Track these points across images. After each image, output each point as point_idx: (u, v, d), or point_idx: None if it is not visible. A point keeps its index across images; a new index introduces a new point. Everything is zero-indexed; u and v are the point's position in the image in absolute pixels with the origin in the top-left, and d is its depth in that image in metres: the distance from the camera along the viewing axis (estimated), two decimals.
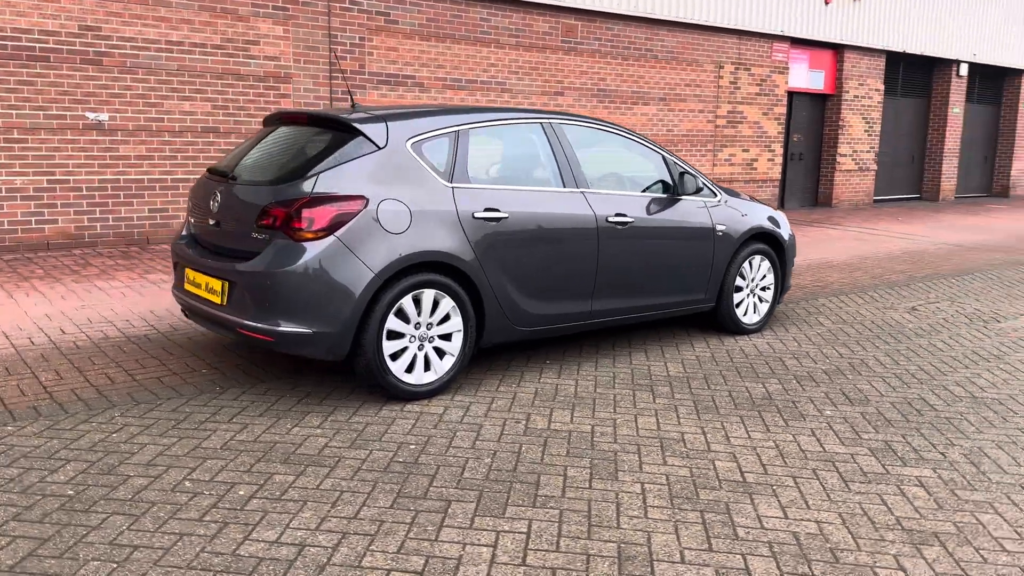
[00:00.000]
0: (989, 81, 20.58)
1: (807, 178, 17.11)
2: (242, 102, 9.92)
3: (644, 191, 5.66)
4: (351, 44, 10.62)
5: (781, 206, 16.69)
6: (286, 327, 4.24)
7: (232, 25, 9.74)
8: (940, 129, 19.14)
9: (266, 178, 4.58)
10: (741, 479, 3.63)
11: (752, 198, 6.55)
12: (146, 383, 4.73)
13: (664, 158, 5.87)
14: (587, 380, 5.02)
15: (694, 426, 4.25)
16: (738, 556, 2.97)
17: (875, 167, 17.86)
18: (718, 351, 5.78)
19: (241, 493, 3.36)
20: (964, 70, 19.09)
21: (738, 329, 6.28)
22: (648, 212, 5.55)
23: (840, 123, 16.78)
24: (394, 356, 4.47)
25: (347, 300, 4.28)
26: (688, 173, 5.87)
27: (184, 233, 5.19)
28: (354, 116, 4.67)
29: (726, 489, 3.52)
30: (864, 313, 7.19)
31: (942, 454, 3.99)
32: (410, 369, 4.53)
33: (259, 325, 4.30)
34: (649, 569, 2.86)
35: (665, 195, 5.75)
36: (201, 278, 4.71)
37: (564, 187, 5.21)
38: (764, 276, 6.41)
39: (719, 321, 6.24)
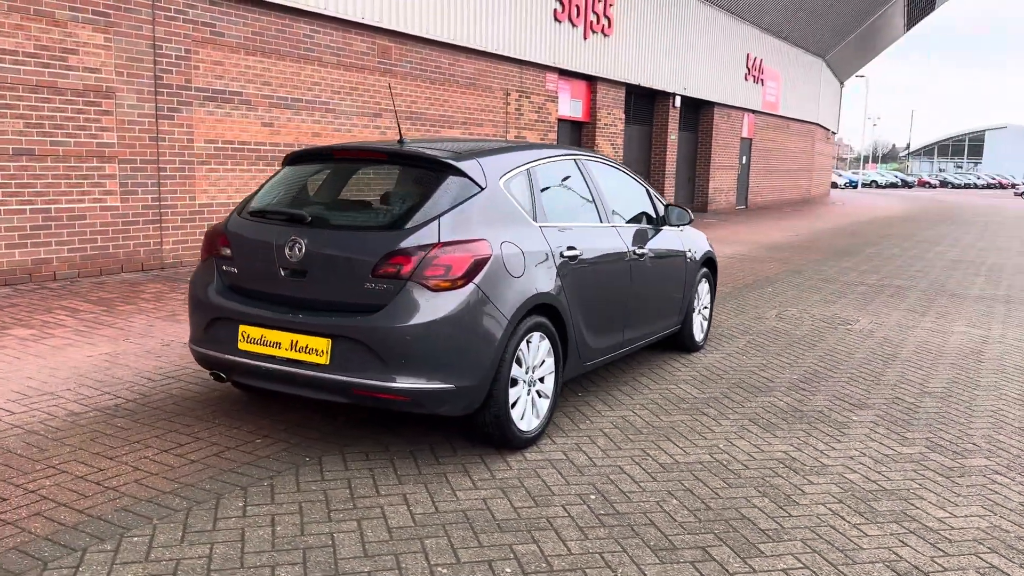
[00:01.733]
0: (691, 112, 23.72)
1: None
2: (59, 119, 8.44)
3: (634, 222, 5.89)
4: (176, 56, 9.51)
5: None
6: (428, 384, 3.87)
7: (47, 31, 8.26)
8: (661, 153, 21.67)
9: (374, 223, 4.13)
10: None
11: None
12: (213, 462, 3.99)
13: (647, 190, 6.19)
14: (644, 408, 5.17)
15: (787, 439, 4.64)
16: None
17: None
18: (701, 369, 6.24)
19: (509, 570, 3.07)
20: (678, 102, 21.83)
21: (693, 347, 6.79)
22: (650, 243, 5.83)
23: (595, 148, 18.32)
24: (512, 404, 4.28)
25: (488, 349, 4.03)
26: (671, 205, 6.25)
27: (219, 283, 4.44)
28: (447, 154, 4.38)
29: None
30: (746, 323, 8.11)
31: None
32: (520, 416, 4.37)
33: (392, 384, 3.86)
34: None
35: (653, 226, 6.05)
36: (283, 336, 4.09)
37: (601, 222, 5.32)
38: (707, 295, 7.01)
39: (681, 341, 6.69)
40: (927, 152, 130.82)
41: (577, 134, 18.17)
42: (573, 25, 16.73)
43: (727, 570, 3.15)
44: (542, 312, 4.46)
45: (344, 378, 3.92)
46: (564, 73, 16.99)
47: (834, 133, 41.56)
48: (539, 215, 4.63)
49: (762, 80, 27.06)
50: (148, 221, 9.43)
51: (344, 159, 4.66)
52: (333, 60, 11.50)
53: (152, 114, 9.31)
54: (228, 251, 4.41)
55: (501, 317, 4.07)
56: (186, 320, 7.10)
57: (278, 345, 4.10)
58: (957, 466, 4.37)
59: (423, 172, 4.35)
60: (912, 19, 40.81)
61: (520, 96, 15.58)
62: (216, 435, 4.40)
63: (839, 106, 41.94)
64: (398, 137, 4.79)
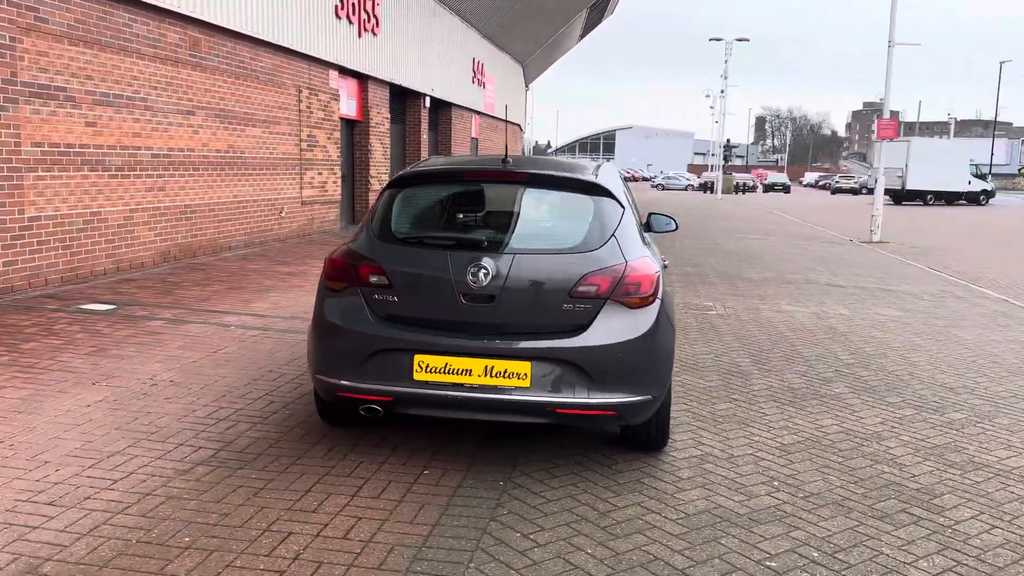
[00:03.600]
0: (432, 112, 24.36)
1: (350, 198, 18.13)
2: None
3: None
4: (1, 46, 8.00)
5: (349, 226, 17.41)
6: (632, 397, 4.05)
7: None
8: (416, 152, 22.06)
9: (559, 245, 4.16)
10: None
11: None
12: (420, 499, 3.79)
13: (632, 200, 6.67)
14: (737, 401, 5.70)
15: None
16: None
17: None
18: None
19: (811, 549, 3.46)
20: (428, 102, 22.34)
21: None
22: None
23: (368, 147, 18.22)
24: None
25: (671, 359, 4.30)
26: (653, 213, 6.75)
27: (371, 313, 4.13)
28: (586, 174, 4.53)
29: None
30: (701, 320, 8.98)
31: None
32: None
33: (600, 400, 3.98)
34: None
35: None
36: (474, 363, 3.98)
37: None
38: None
39: None
40: (570, 149, 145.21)
41: (351, 133, 17.91)
42: (350, 23, 16.47)
43: None
44: None
45: (548, 398, 3.97)
46: (343, 71, 16.67)
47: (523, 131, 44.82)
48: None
49: (484, 83, 28.52)
50: None
51: (474, 179, 4.58)
52: (150, 52, 10.32)
53: None
54: (383, 280, 4.15)
55: (673, 327, 4.38)
56: (131, 354, 6.22)
57: (468, 372, 4.00)
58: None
59: (572, 193, 4.47)
60: (584, 32, 45.33)
61: (310, 94, 15.04)
62: (372, 470, 4.14)
63: (525, 107, 45.29)
64: (503, 156, 4.75)
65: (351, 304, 4.21)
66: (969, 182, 42.69)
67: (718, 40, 46.93)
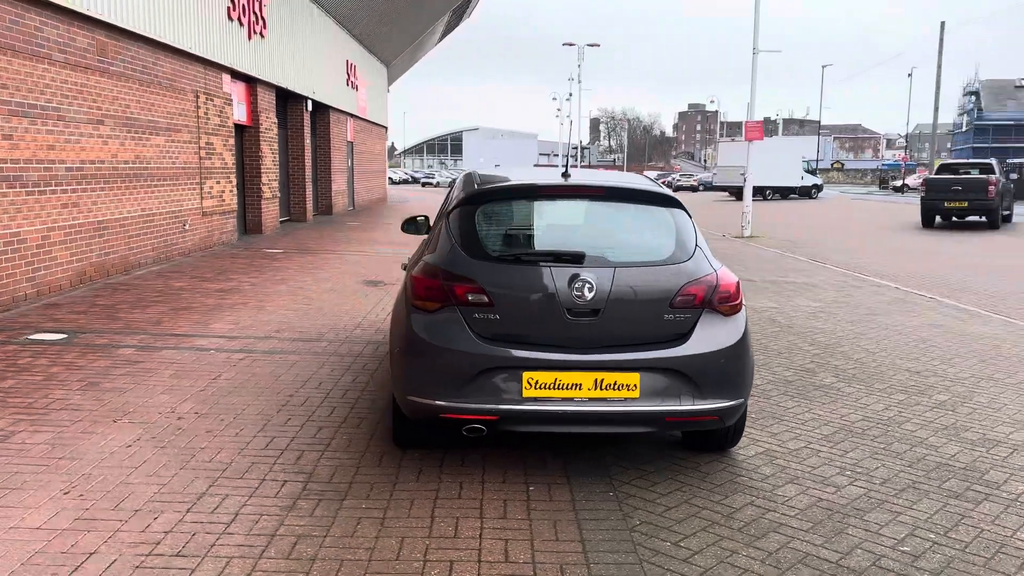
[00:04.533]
0: (313, 116, 23.71)
1: (243, 208, 17.37)
2: None
3: None
4: None
5: (244, 237, 16.65)
6: (731, 401, 4.25)
7: None
8: (299, 157, 21.41)
9: (655, 258, 4.29)
10: None
11: None
12: (559, 523, 3.83)
13: None
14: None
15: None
16: None
17: (279, 194, 19.17)
18: None
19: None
20: (311, 106, 21.74)
21: None
22: None
23: (259, 154, 17.53)
24: None
25: (753, 362, 4.53)
26: None
27: (471, 332, 4.10)
28: (654, 187, 4.69)
29: None
30: None
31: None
32: None
33: (705, 407, 4.17)
34: None
35: None
36: (584, 377, 4.05)
37: None
38: None
39: None
40: (418, 151, 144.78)
41: (242, 139, 17.17)
42: (240, 25, 15.80)
43: None
44: None
45: (658, 408, 4.11)
46: (235, 75, 15.96)
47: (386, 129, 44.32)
48: None
49: (357, 86, 28.03)
50: None
51: (551, 195, 4.63)
52: (61, 58, 9.54)
53: None
54: (482, 298, 4.14)
55: (750, 332, 4.63)
56: (128, 386, 5.81)
57: (578, 387, 4.08)
58: None
59: (647, 206, 4.62)
60: (444, 34, 45.41)
61: (207, 99, 14.32)
62: (477, 491, 4.12)
63: (387, 110, 44.84)
64: (562, 171, 4.85)
65: (449, 323, 4.17)
66: (802, 177, 46.17)
67: (571, 45, 48.41)
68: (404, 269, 7.68)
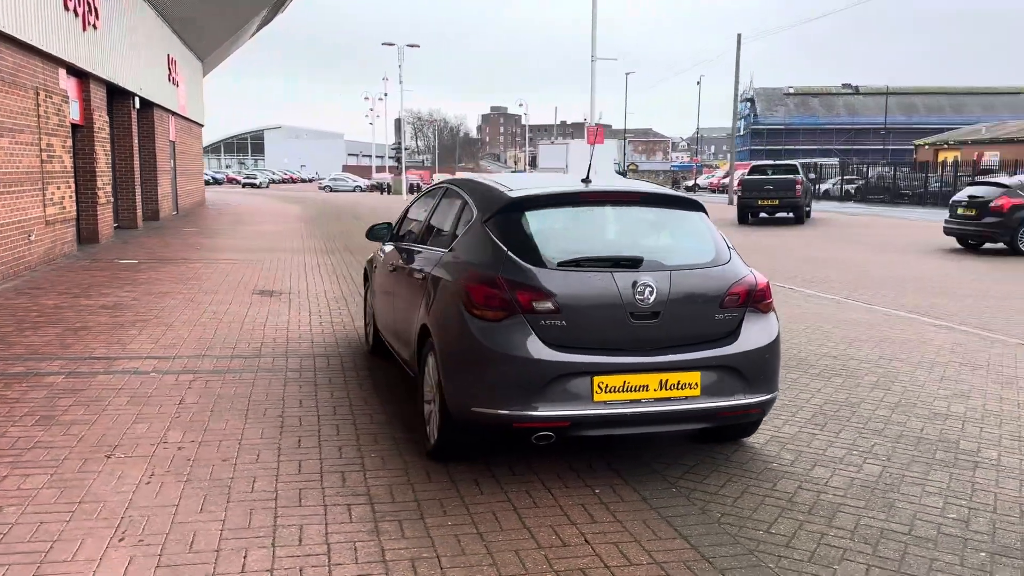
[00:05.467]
0: (140, 114, 22.01)
1: (77, 214, 15.82)
2: None
3: None
4: None
5: (84, 247, 15.13)
6: (770, 394, 4.53)
7: None
8: (128, 158, 19.82)
9: (702, 260, 4.48)
10: None
11: None
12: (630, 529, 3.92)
13: None
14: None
15: None
16: None
17: (112, 199, 17.64)
18: None
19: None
20: (138, 103, 20.18)
21: None
22: None
23: (94, 156, 16.09)
24: None
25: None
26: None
27: (540, 340, 4.10)
28: (683, 192, 4.90)
29: None
30: None
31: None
32: None
33: (753, 400, 4.43)
34: None
35: None
36: (650, 378, 4.18)
37: None
38: None
39: None
40: (215, 150, 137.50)
41: (75, 140, 15.64)
42: (76, 15, 14.41)
43: None
44: None
45: (715, 404, 4.33)
46: (70, 70, 14.54)
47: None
48: None
49: (177, 81, 26.32)
50: None
51: (592, 201, 4.70)
52: None
53: None
54: (548, 305, 4.16)
55: None
56: (88, 417, 5.25)
57: (645, 388, 4.21)
58: None
59: (679, 211, 4.81)
60: (259, 28, 43.52)
61: (46, 96, 12.96)
62: (548, 498, 4.15)
63: (203, 107, 42.44)
64: (584, 177, 4.95)
65: (516, 332, 4.16)
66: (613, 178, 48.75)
67: (390, 45, 48.01)
68: (366, 279, 7.47)
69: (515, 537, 3.73)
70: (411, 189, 59.33)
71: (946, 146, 60.79)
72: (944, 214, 18.75)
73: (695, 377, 4.27)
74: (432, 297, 4.76)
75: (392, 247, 6.49)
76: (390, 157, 78.56)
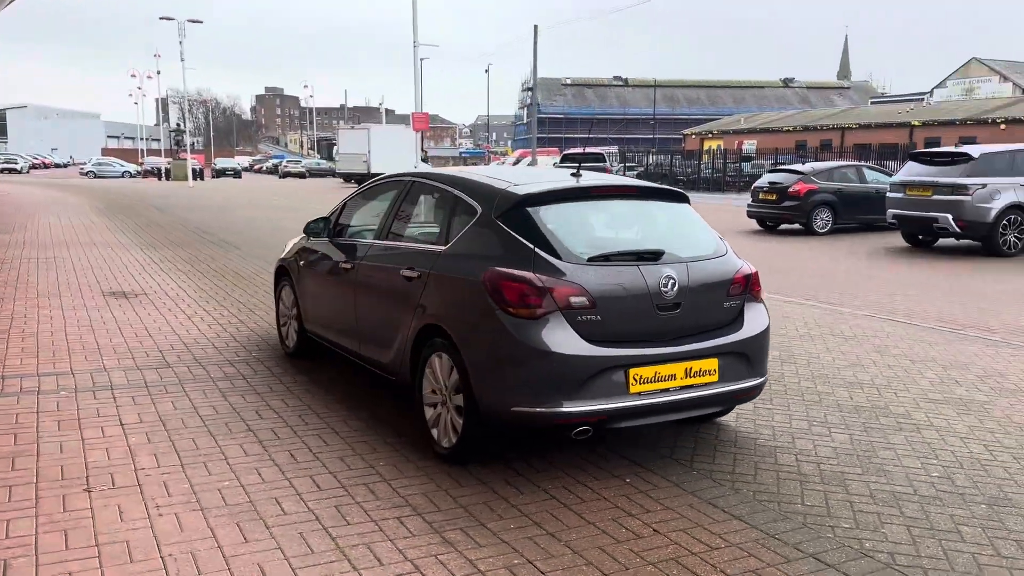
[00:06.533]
0: None
1: None
2: None
3: None
4: None
5: None
6: (765, 375, 4.80)
7: None
8: None
9: (708, 251, 4.66)
10: None
11: None
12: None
13: None
14: None
15: None
16: None
17: None
18: None
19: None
20: None
21: None
22: None
23: None
24: None
25: None
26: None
27: (576, 335, 4.09)
28: (672, 187, 5.08)
29: None
30: None
31: None
32: None
33: (755, 382, 4.68)
34: None
35: None
36: (676, 367, 4.31)
37: None
38: None
39: None
40: None
41: None
42: None
43: None
44: None
45: (730, 388, 4.55)
46: None
47: None
48: None
49: None
50: None
51: (599, 195, 4.72)
52: None
53: None
54: (583, 300, 4.17)
55: None
56: (38, 444, 4.54)
57: (673, 377, 4.35)
58: None
59: (671, 203, 4.97)
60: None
61: None
62: (586, 492, 4.19)
63: None
64: (575, 171, 4.92)
65: (555, 328, 4.14)
66: (416, 165, 48.43)
67: (170, 19, 44.47)
68: (277, 280, 7.01)
69: (587, 533, 3.74)
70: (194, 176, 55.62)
71: (710, 135, 66.50)
72: (718, 198, 20.58)
73: (714, 364, 4.46)
74: (438, 296, 4.60)
75: (328, 243, 6.15)
76: (156, 139, 72.87)
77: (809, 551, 3.62)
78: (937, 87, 67.33)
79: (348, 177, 46.86)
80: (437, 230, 5.04)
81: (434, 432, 4.66)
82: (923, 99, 66.50)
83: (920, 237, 15.77)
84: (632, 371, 4.22)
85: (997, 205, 14.14)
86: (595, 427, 4.23)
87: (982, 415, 5.55)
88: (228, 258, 13.37)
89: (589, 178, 4.91)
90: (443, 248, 4.76)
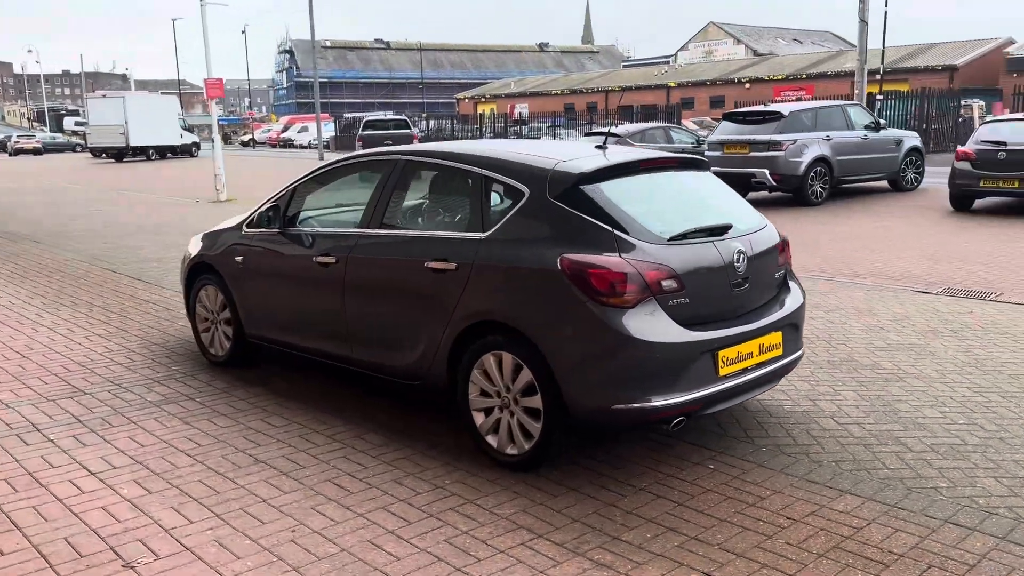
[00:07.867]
0: None
1: None
2: None
3: None
4: None
5: None
6: (804, 346, 4.82)
7: None
8: None
9: (753, 224, 4.53)
10: None
11: None
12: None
13: None
14: None
15: None
16: None
17: None
18: None
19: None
20: None
21: None
22: None
23: None
24: None
25: None
26: None
27: (671, 321, 3.82)
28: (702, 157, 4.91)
29: None
30: None
31: None
32: None
33: (801, 351, 4.66)
34: None
35: None
36: (752, 345, 4.16)
37: None
38: None
39: None
40: None
41: None
42: None
43: None
44: None
45: (789, 360, 4.51)
46: None
47: None
48: None
49: None
50: None
51: (647, 168, 4.41)
52: None
53: None
54: (673, 284, 3.90)
55: None
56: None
57: (751, 355, 4.21)
58: None
59: (702, 172, 4.79)
60: None
61: None
62: (672, 485, 3.98)
63: None
64: (599, 143, 4.49)
65: (651, 316, 3.84)
66: (181, 135, 44.65)
67: None
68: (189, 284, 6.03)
69: (731, 533, 3.52)
70: None
71: (484, 99, 67.36)
72: None
73: (778, 337, 4.38)
74: (490, 289, 4.11)
75: (279, 234, 5.33)
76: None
77: (939, 516, 3.65)
78: (680, 50, 72.42)
79: (101, 151, 42.22)
80: (463, 215, 4.50)
81: (491, 440, 4.20)
82: (668, 62, 71.40)
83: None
84: (721, 353, 4.03)
85: (806, 159, 15.43)
86: (689, 415, 4.01)
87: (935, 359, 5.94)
88: (35, 253, 11.48)
89: (619, 151, 4.61)
90: (482, 235, 4.25)
